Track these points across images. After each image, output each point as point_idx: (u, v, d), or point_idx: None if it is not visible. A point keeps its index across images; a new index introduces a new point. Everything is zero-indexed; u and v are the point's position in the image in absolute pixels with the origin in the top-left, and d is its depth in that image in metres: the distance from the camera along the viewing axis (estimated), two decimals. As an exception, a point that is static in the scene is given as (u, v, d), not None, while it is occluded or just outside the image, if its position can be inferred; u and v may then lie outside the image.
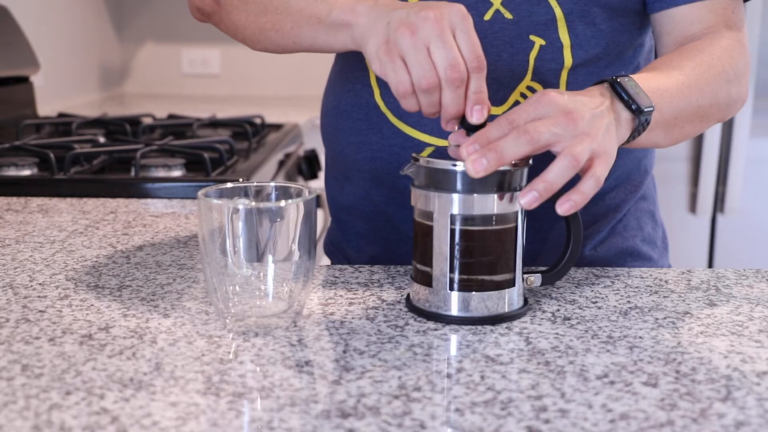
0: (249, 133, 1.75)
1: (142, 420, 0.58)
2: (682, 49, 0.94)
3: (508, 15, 0.94)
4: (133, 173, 1.35)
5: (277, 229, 0.72)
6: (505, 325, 0.76)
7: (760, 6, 2.53)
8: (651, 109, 0.81)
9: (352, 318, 0.77)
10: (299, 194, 0.75)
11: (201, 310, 0.79)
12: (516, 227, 0.77)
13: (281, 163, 1.80)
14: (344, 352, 0.69)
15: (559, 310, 0.80)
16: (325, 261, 1.22)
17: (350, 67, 1.03)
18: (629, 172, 1.05)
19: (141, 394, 0.61)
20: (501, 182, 0.75)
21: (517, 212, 0.76)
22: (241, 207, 0.72)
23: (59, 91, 2.51)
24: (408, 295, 0.81)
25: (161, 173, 1.36)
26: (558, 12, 0.93)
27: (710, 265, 2.73)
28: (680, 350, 0.71)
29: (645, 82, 0.83)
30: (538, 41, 0.94)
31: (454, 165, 0.74)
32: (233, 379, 0.64)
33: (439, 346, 0.71)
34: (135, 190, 1.29)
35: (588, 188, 0.75)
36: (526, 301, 0.80)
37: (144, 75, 3.11)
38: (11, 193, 1.27)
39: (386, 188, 1.01)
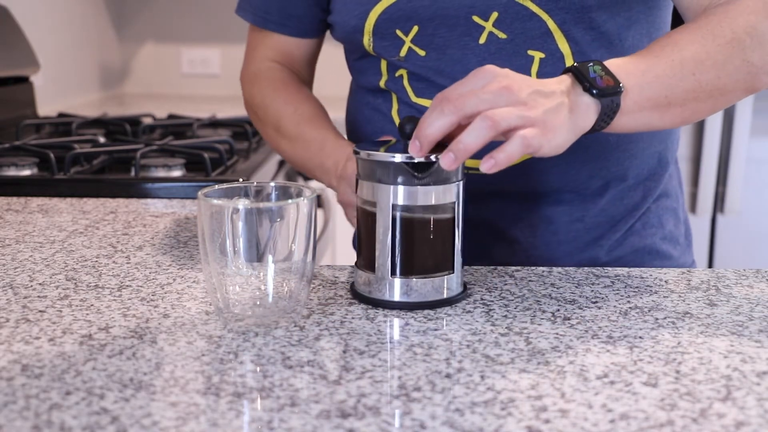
0: (249, 133, 1.75)
1: (142, 420, 0.58)
2: (688, 24, 0.90)
3: (501, 35, 0.94)
4: (133, 173, 1.35)
5: (277, 229, 0.72)
6: (505, 325, 0.76)
7: None
8: (616, 91, 0.78)
9: (352, 318, 0.77)
10: (299, 194, 0.75)
11: (201, 310, 0.79)
12: (454, 216, 0.80)
13: (281, 163, 1.80)
14: (344, 352, 0.69)
15: (559, 310, 0.80)
16: (327, 261, 1.22)
17: (367, 98, 1.06)
18: (649, 169, 1.03)
19: (141, 394, 0.61)
20: (439, 173, 0.77)
21: (455, 202, 0.79)
22: (241, 207, 0.72)
23: (59, 91, 2.51)
24: (352, 283, 0.84)
25: (161, 173, 1.36)
26: (551, 24, 0.93)
27: (710, 265, 2.73)
28: (680, 350, 0.71)
29: (624, 65, 0.81)
30: (537, 55, 0.94)
31: (392, 157, 0.77)
32: (233, 379, 0.64)
33: (439, 346, 0.71)
34: (135, 190, 1.29)
35: (512, 148, 0.72)
36: (465, 287, 0.83)
37: (144, 75, 3.11)
38: (11, 193, 1.27)
39: None
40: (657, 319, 0.78)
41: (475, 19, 0.94)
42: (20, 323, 0.75)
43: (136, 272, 0.90)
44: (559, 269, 0.92)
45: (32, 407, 0.59)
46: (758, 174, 2.66)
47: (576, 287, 0.87)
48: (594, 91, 0.77)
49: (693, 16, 0.94)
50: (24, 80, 2.06)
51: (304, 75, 1.16)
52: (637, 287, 0.87)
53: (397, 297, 0.79)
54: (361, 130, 1.08)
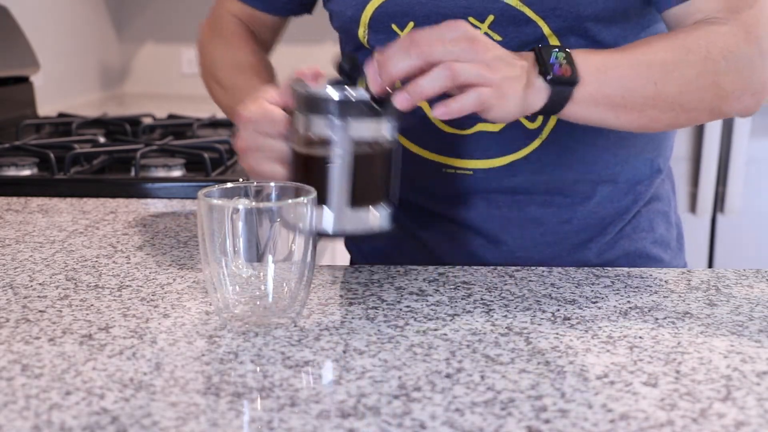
0: (249, 133, 1.75)
1: (142, 420, 0.58)
2: (670, 33, 0.89)
3: (496, 37, 0.94)
4: (133, 173, 1.35)
5: (277, 229, 0.72)
6: (505, 325, 0.76)
7: None
8: (570, 82, 0.79)
9: (352, 318, 0.77)
10: (299, 194, 0.75)
11: (201, 310, 0.79)
12: (390, 151, 0.80)
13: (281, 163, 1.80)
14: (344, 352, 0.69)
15: (559, 310, 0.80)
16: (327, 261, 1.22)
17: None
18: (640, 174, 1.03)
19: (141, 394, 0.61)
20: (376, 108, 0.77)
21: (392, 138, 0.80)
22: (241, 207, 0.72)
23: (59, 91, 2.51)
24: None
25: (161, 173, 1.36)
26: (546, 30, 0.93)
27: (710, 265, 2.73)
28: (680, 350, 0.71)
29: (591, 57, 0.81)
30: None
31: (328, 92, 0.77)
32: (233, 379, 0.64)
33: (439, 346, 0.71)
34: (135, 190, 1.29)
35: (467, 100, 0.75)
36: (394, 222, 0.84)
37: (144, 75, 3.11)
38: (11, 193, 1.27)
39: None
40: (657, 319, 0.78)
41: (471, 20, 0.94)
42: (20, 323, 0.75)
43: (136, 272, 0.90)
44: (559, 269, 0.92)
45: (32, 407, 0.59)
46: (758, 174, 2.66)
47: (576, 287, 0.87)
48: (548, 77, 0.79)
49: None
50: (24, 80, 2.06)
51: (264, 37, 1.17)
52: (637, 287, 0.87)
53: (330, 229, 0.79)
54: None
